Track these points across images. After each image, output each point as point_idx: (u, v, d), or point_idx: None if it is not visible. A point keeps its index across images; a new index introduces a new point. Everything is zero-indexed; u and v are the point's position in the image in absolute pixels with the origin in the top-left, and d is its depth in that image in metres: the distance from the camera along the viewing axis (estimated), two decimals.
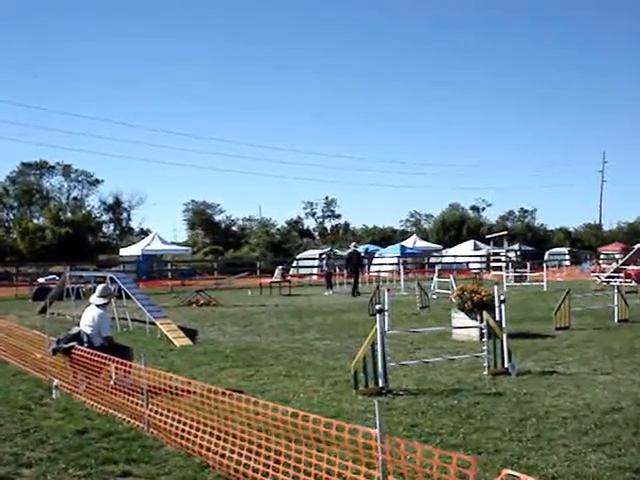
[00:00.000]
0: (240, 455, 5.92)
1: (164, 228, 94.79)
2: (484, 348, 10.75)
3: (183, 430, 6.84)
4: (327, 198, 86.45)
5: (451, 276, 26.87)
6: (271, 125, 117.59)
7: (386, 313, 12.05)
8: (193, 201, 77.37)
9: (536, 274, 36.43)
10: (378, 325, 9.44)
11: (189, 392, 7.33)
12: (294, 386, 10.06)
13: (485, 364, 10.62)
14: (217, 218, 78.16)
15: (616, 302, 17.44)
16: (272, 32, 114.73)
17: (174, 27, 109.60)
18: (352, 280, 30.47)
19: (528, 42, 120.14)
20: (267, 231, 73.14)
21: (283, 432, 5.53)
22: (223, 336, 16.25)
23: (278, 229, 77.92)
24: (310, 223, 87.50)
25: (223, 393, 6.54)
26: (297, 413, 5.30)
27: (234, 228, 79.03)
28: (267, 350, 13.72)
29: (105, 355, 8.89)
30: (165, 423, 7.21)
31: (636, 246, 36.80)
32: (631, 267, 32.36)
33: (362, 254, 34.63)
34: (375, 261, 49.91)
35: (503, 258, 38.89)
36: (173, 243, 54.80)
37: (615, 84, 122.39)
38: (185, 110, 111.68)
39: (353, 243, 34.40)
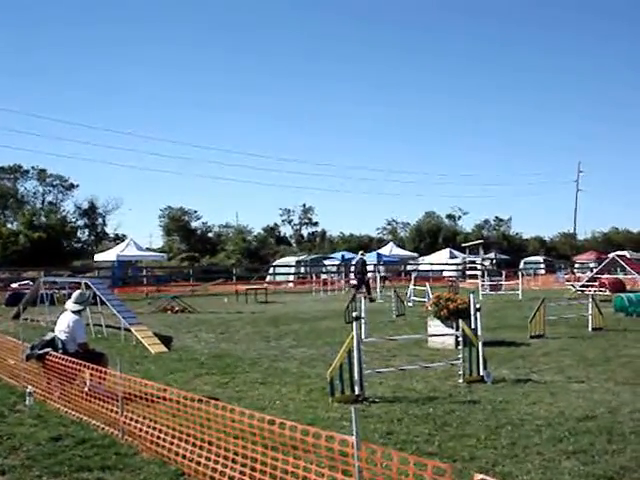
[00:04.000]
0: (216, 463, 5.89)
1: (140, 234, 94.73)
2: (459, 356, 10.79)
3: (158, 437, 6.80)
4: (304, 205, 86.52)
5: (427, 284, 26.98)
6: (248, 131, 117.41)
7: (362, 320, 12.07)
8: (169, 207, 77.02)
9: (511, 282, 36.68)
10: (354, 332, 9.45)
11: (164, 399, 7.28)
12: (270, 393, 10.04)
13: (460, 372, 10.67)
14: (193, 224, 77.91)
15: (590, 311, 17.59)
16: (248, 39, 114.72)
17: (148, 32, 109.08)
18: (361, 287, 30.12)
19: (503, 50, 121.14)
20: (243, 238, 73.01)
21: (259, 439, 5.52)
22: (199, 343, 16.18)
23: (255, 236, 77.80)
24: (287, 230, 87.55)
25: (199, 400, 6.51)
26: (273, 420, 5.29)
27: (210, 234, 78.77)
28: (243, 357, 13.68)
29: (80, 362, 8.82)
30: (140, 430, 7.16)
31: (610, 255, 37.17)
32: (605, 276, 32.68)
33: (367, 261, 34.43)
34: (352, 269, 49.95)
35: (479, 266, 39.05)
36: (148, 249, 54.64)
37: (592, 93, 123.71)
38: (162, 115, 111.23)
39: (360, 252, 34.43)
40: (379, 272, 41.16)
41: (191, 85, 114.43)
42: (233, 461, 5.78)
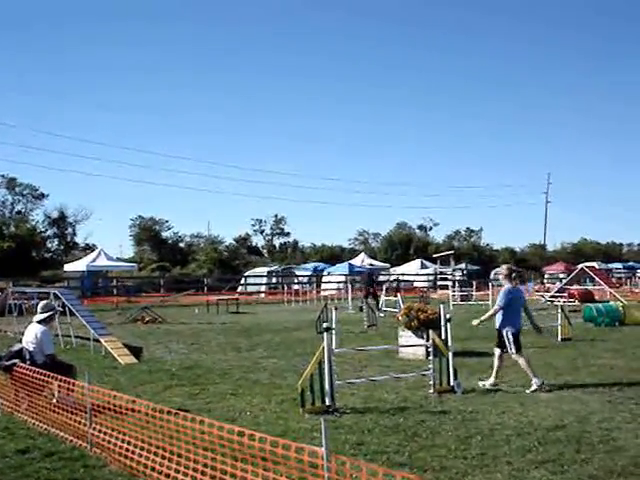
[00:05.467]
0: (185, 475, 5.86)
1: (110, 244, 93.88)
2: (430, 366, 10.83)
3: (127, 450, 6.74)
4: (276, 216, 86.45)
5: (398, 295, 27.06)
6: (220, 141, 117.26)
7: (333, 331, 12.07)
8: (140, 217, 76.48)
9: (482, 293, 36.88)
10: (325, 343, 9.45)
11: (133, 411, 7.23)
12: (240, 405, 10.00)
13: (431, 382, 10.70)
14: (164, 234, 77.35)
15: (559, 321, 17.76)
16: (220, 51, 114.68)
17: (117, 35, 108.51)
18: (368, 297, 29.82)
19: (473, 61, 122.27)
20: (215, 248, 72.66)
21: (229, 451, 5.49)
22: (169, 354, 16.08)
23: (226, 246, 77.47)
24: (259, 240, 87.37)
25: (168, 412, 6.46)
26: (243, 432, 5.27)
27: (181, 245, 78.26)
28: (213, 368, 13.61)
29: (48, 373, 8.72)
30: (109, 442, 7.09)
31: (579, 266, 37.56)
32: (574, 287, 33.03)
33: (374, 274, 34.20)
34: (323, 279, 50.00)
35: (449, 277, 39.30)
36: (119, 259, 54.21)
37: (562, 105, 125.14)
38: (132, 124, 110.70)
39: (369, 263, 34.40)
40: (353, 283, 41.16)
41: (160, 92, 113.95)
42: (202, 473, 5.75)
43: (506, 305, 11.36)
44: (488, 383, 11.30)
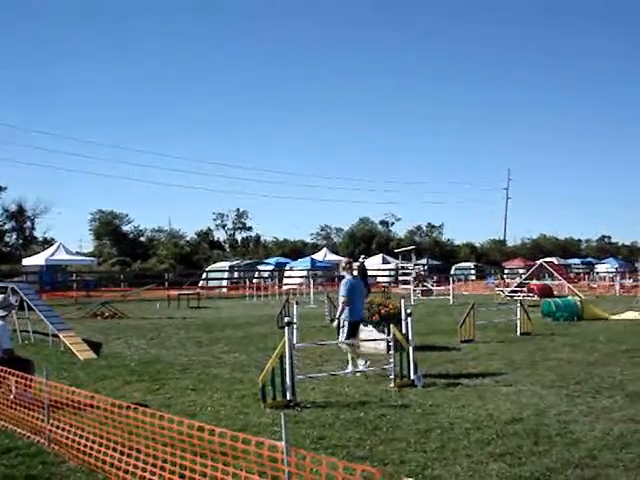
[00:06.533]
0: (144, 470, 5.81)
1: (69, 238, 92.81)
2: (391, 360, 10.89)
3: (86, 445, 6.67)
4: (238, 210, 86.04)
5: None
6: (182, 135, 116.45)
7: (295, 326, 12.08)
8: (100, 211, 75.56)
9: (443, 288, 37.17)
10: (286, 338, 9.45)
11: (92, 406, 7.16)
12: (201, 400, 9.95)
13: (392, 376, 10.76)
14: (125, 228, 76.55)
15: (519, 316, 17.97)
16: (182, 46, 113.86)
17: (63, 30, 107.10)
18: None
19: (435, 61, 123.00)
20: (176, 243, 72.20)
21: (189, 446, 5.46)
22: (129, 349, 15.96)
23: (187, 241, 76.98)
24: (220, 235, 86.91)
25: (127, 407, 6.41)
26: (203, 427, 5.24)
27: (142, 239, 77.55)
28: (174, 363, 13.54)
29: (5, 369, 8.60)
30: (67, 438, 7.01)
31: (538, 262, 38.00)
32: (534, 282, 33.38)
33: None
34: (285, 274, 49.97)
35: (412, 272, 39.48)
36: (78, 253, 53.63)
37: (521, 102, 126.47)
38: (92, 117, 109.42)
39: (362, 255, 34.43)
40: (312, 277, 41.21)
41: (123, 87, 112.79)
42: (162, 468, 5.70)
43: (348, 294, 11.94)
44: (361, 367, 11.86)
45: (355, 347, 12.20)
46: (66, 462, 6.92)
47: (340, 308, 12.10)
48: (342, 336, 12.06)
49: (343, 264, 12.71)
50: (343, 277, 12.65)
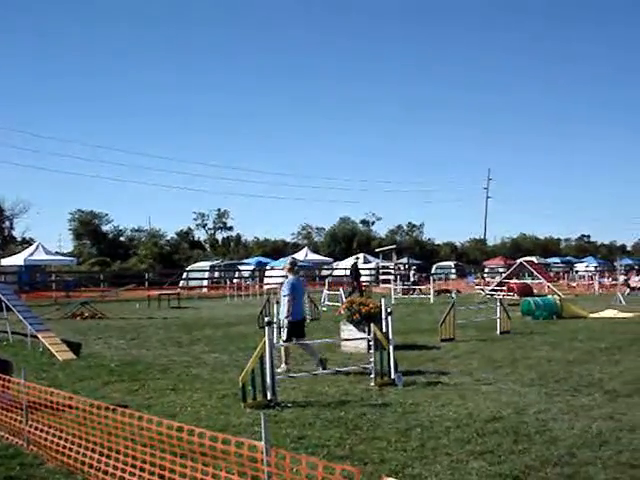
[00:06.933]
0: (124, 471, 5.77)
1: (48, 238, 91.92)
2: (371, 360, 10.89)
3: (65, 447, 6.61)
4: (219, 210, 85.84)
5: (341, 289, 27.17)
6: (162, 134, 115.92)
7: (275, 325, 12.07)
8: (79, 210, 75.09)
9: (423, 287, 37.27)
10: (266, 337, 9.43)
11: (71, 407, 7.10)
12: (181, 400, 9.91)
13: (372, 375, 10.76)
14: (104, 228, 76.16)
15: (499, 314, 18.04)
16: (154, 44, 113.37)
17: (38, 25, 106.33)
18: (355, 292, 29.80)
19: (415, 62, 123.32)
20: (156, 242, 71.89)
21: (168, 447, 5.43)
22: (109, 349, 15.86)
23: (168, 240, 76.69)
24: (201, 235, 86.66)
25: (106, 408, 6.36)
26: (182, 427, 5.22)
27: (122, 239, 77.18)
28: (154, 364, 13.47)
29: None
30: (46, 440, 6.96)
31: (518, 261, 38.23)
32: (514, 281, 33.59)
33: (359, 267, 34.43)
34: (266, 273, 49.89)
35: (392, 271, 39.57)
36: (58, 253, 53.26)
37: (501, 103, 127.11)
38: (72, 116, 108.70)
39: (355, 256, 34.45)
40: None
41: (104, 86, 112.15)
42: (141, 469, 5.67)
43: (291, 294, 12.18)
44: (280, 369, 11.82)
45: (289, 348, 12.45)
46: (45, 463, 6.87)
47: (286, 307, 12.26)
48: (283, 336, 12.29)
49: (288, 265, 12.96)
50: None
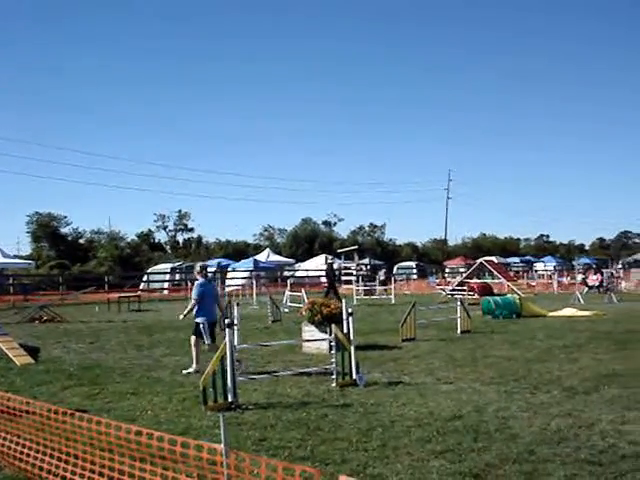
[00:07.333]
0: (82, 477, 5.70)
1: (6, 241, 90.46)
2: (333, 360, 10.90)
3: (22, 453, 6.51)
4: (180, 211, 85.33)
5: (303, 290, 27.16)
6: (125, 136, 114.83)
7: (236, 327, 12.05)
8: (37, 213, 73.99)
9: (385, 287, 37.40)
10: (227, 339, 9.39)
11: (29, 413, 6.99)
12: (141, 404, 9.82)
13: (334, 376, 10.77)
14: (63, 231, 75.16)
15: (459, 314, 18.18)
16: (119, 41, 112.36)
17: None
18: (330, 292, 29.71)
19: (375, 62, 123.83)
20: (116, 245, 71.18)
21: (127, 451, 5.37)
22: (68, 354, 15.67)
23: (128, 242, 75.97)
24: (162, 236, 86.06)
25: (64, 413, 6.27)
26: (141, 431, 5.17)
27: (81, 241, 76.29)
28: (114, 367, 13.34)
29: None
30: (3, 446, 6.84)
31: (478, 260, 38.57)
32: (474, 280, 33.87)
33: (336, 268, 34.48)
34: (228, 275, 49.71)
35: (354, 272, 39.70)
36: (16, 256, 52.45)
37: (463, 103, 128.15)
38: (30, 118, 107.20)
39: (330, 257, 34.45)
40: (255, 278, 41.07)
41: (58, 86, 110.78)
42: (100, 474, 5.61)
43: (200, 297, 12.56)
44: (192, 369, 12.42)
45: (200, 348, 12.66)
46: (2, 470, 6.76)
47: (189, 308, 12.80)
48: (207, 339, 12.62)
49: (197, 269, 13.36)
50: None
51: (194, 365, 12.47)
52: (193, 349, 12.62)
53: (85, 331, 20.94)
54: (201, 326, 12.54)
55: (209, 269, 51.23)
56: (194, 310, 12.69)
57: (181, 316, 13.10)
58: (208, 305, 12.74)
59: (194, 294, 12.71)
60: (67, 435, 6.09)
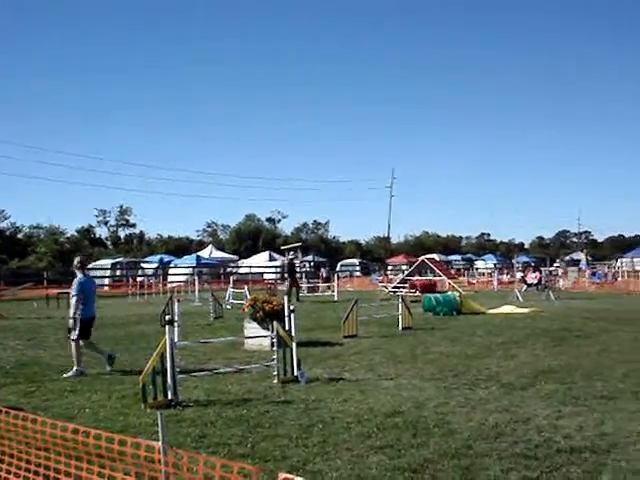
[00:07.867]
0: (17, 476, 5.59)
1: None
2: (274, 357, 10.90)
3: None
4: (121, 206, 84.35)
5: (246, 287, 27.09)
6: (66, 129, 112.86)
7: (176, 324, 11.94)
8: None
9: (328, 284, 37.54)
10: (167, 336, 9.31)
11: None
12: (80, 401, 9.68)
13: (275, 373, 10.77)
14: (1, 225, 73.72)
15: (401, 311, 18.34)
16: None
17: None
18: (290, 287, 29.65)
19: (321, 61, 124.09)
20: (56, 239, 70.00)
21: (64, 450, 5.29)
22: (4, 351, 15.36)
23: (68, 238, 74.78)
24: (103, 232, 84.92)
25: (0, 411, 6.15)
26: (78, 429, 5.09)
27: (20, 236, 74.84)
28: (52, 365, 13.11)
29: None
30: None
31: (420, 258, 38.95)
32: (416, 278, 34.21)
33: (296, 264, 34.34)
34: (170, 271, 49.30)
35: (298, 269, 39.75)
36: None
37: (405, 101, 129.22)
38: None
39: (291, 253, 34.15)
40: (198, 275, 40.80)
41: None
42: (36, 473, 5.51)
43: (79, 293, 12.22)
44: (71, 373, 11.94)
45: (83, 347, 12.40)
46: None
47: (74, 306, 12.26)
48: (74, 334, 12.22)
49: (76, 263, 12.88)
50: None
51: (75, 368, 11.99)
52: (74, 348, 12.13)
53: (22, 328, 20.54)
54: (72, 321, 12.16)
55: (149, 265, 50.92)
56: (72, 305, 12.30)
57: (71, 321, 12.31)
58: (87, 301, 12.39)
59: (75, 291, 12.22)
60: (1, 434, 5.96)
